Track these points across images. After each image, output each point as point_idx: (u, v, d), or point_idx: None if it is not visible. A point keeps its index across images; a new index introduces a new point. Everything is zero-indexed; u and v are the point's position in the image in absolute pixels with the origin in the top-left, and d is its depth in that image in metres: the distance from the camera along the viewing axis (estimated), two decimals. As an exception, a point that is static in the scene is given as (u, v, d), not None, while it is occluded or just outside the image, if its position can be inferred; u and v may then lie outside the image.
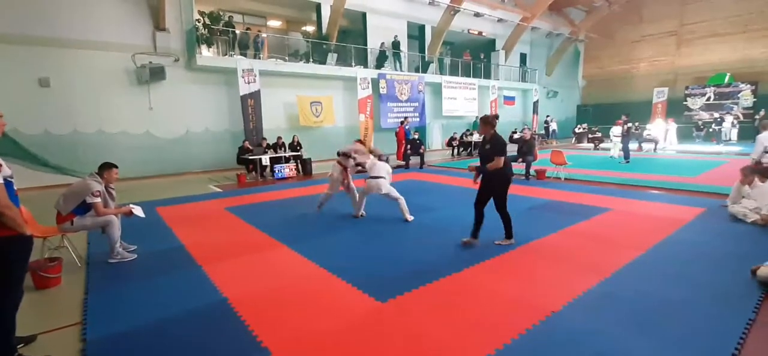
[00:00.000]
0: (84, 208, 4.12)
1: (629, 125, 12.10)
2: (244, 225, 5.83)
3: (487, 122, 4.45)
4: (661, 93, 22.50)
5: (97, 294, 3.50)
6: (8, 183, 2.30)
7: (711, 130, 18.81)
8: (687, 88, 22.34)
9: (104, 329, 2.87)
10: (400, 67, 17.15)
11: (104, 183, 4.30)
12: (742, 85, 20.55)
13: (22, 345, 2.61)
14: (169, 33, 11.77)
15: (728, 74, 21.05)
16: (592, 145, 18.30)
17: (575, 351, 2.45)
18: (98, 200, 4.12)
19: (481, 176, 4.58)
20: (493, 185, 4.46)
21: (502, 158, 4.32)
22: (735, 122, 18.68)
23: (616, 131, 13.07)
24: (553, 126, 22.52)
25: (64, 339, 2.78)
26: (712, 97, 21.40)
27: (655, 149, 14.80)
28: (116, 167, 4.46)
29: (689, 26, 22.60)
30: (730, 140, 18.21)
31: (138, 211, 4.57)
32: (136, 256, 4.45)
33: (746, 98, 20.33)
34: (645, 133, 14.08)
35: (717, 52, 21.67)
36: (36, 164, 9.30)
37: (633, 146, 13.17)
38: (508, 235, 4.59)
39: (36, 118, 10.05)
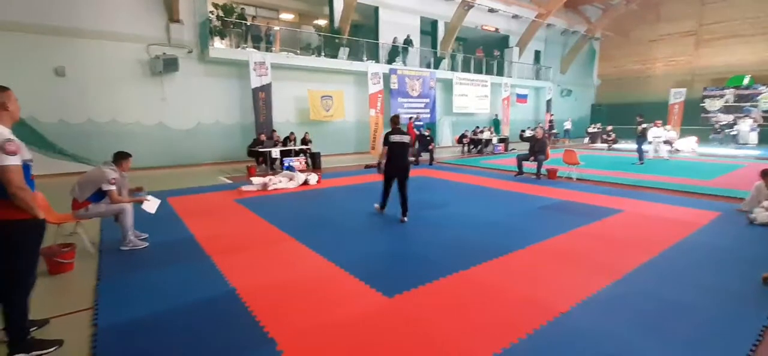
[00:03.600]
0: (99, 195, 4.21)
1: (644, 126, 11.87)
2: (253, 217, 5.87)
3: (391, 121, 5.78)
4: (677, 94, 22.02)
5: (109, 280, 3.56)
6: (26, 166, 2.35)
7: (726, 133, 18.35)
8: (705, 89, 21.83)
9: (115, 315, 2.92)
10: (404, 63, 16.97)
11: (119, 171, 4.39)
12: (761, 88, 20.01)
13: (35, 328, 2.67)
14: (183, 25, 11.87)
15: (748, 76, 20.51)
16: (605, 145, 18.03)
17: (584, 353, 2.41)
18: (113, 188, 4.21)
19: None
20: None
21: (383, 148, 5.55)
22: (754, 125, 18.21)
23: (656, 132, 13.01)
24: (567, 125, 22.20)
25: (76, 324, 2.83)
26: (731, 99, 20.88)
27: (670, 151, 14.49)
28: (130, 156, 4.55)
29: (708, 26, 22.05)
30: (748, 143, 17.76)
31: (149, 205, 4.62)
32: (147, 245, 4.51)
33: (766, 100, 19.80)
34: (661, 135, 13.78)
35: (736, 53, 21.12)
36: (52, 152, 9.47)
37: (649, 147, 12.93)
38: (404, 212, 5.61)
39: (52, 107, 10.23)
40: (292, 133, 11.97)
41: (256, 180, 8.05)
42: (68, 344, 2.56)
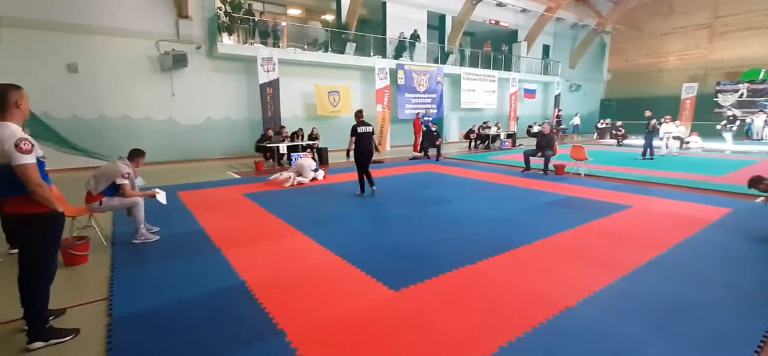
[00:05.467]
0: (112, 189, 4.32)
1: (653, 121, 11.73)
2: (261, 211, 5.95)
3: (356, 115, 7.03)
4: (690, 88, 21.63)
5: (122, 272, 3.66)
6: (40, 163, 2.42)
7: (729, 127, 17.97)
8: (718, 83, 21.42)
9: (129, 306, 3.00)
10: (411, 58, 16.89)
11: (132, 167, 4.50)
12: (777, 82, 19.59)
13: (53, 317, 2.75)
14: (192, 21, 11.97)
15: (763, 70, 20.08)
16: (615, 141, 17.84)
17: (589, 347, 2.43)
18: (126, 182, 4.32)
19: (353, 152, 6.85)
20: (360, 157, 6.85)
21: (351, 138, 6.77)
22: (768, 119, 17.86)
23: (666, 128, 12.84)
24: (576, 120, 22.00)
25: (91, 314, 2.92)
26: (745, 93, 20.47)
27: (680, 146, 14.32)
28: (145, 154, 4.69)
29: (723, 19, 21.59)
30: (762, 138, 17.46)
31: (161, 197, 4.74)
32: (158, 238, 4.60)
33: (782, 95, 19.37)
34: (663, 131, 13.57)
35: (752, 46, 20.67)
36: (65, 147, 9.63)
37: (658, 142, 12.77)
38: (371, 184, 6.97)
39: (65, 102, 10.41)
40: (300, 128, 12.04)
41: (283, 174, 8.29)
42: (85, 333, 2.64)
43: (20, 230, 2.44)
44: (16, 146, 2.26)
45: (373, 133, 6.98)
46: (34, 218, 2.40)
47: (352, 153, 6.82)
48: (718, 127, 18.23)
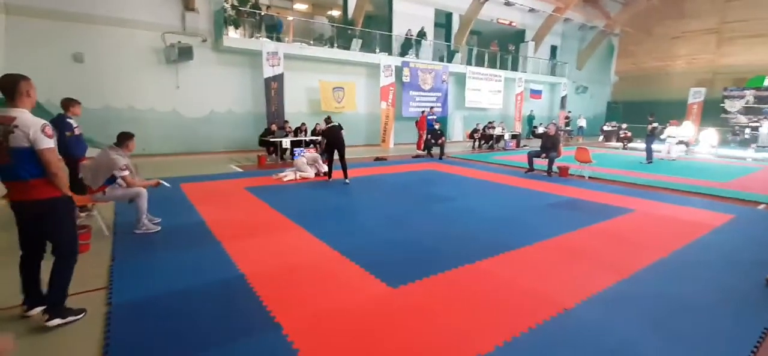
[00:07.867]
0: (113, 180, 4.33)
1: (655, 125, 11.66)
2: (262, 205, 5.96)
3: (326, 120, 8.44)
4: (697, 93, 21.42)
5: (123, 262, 3.68)
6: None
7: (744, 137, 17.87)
8: (725, 89, 21.21)
9: (128, 295, 3.02)
10: (417, 55, 16.83)
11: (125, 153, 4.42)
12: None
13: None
14: (198, 13, 11.98)
15: (768, 78, 19.88)
16: (620, 144, 17.73)
17: (587, 347, 2.42)
18: (127, 173, 4.33)
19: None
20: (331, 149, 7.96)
21: (322, 141, 8.20)
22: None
23: (671, 131, 12.66)
24: (581, 122, 21.87)
25: (91, 301, 2.93)
26: (751, 100, 20.25)
27: (686, 151, 14.21)
28: (133, 136, 4.55)
29: (731, 24, 21.35)
30: (766, 146, 17.29)
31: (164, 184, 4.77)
32: (160, 228, 4.62)
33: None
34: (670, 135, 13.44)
35: (759, 53, 20.41)
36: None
37: (663, 147, 12.67)
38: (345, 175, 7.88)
39: (70, 92, 10.19)
40: (303, 123, 12.04)
41: (288, 176, 8.26)
42: (85, 318, 2.67)
43: (44, 216, 2.50)
44: (43, 130, 2.37)
45: (340, 128, 7.96)
46: (57, 201, 2.49)
47: (323, 144, 8.11)
48: (733, 135, 18.14)
